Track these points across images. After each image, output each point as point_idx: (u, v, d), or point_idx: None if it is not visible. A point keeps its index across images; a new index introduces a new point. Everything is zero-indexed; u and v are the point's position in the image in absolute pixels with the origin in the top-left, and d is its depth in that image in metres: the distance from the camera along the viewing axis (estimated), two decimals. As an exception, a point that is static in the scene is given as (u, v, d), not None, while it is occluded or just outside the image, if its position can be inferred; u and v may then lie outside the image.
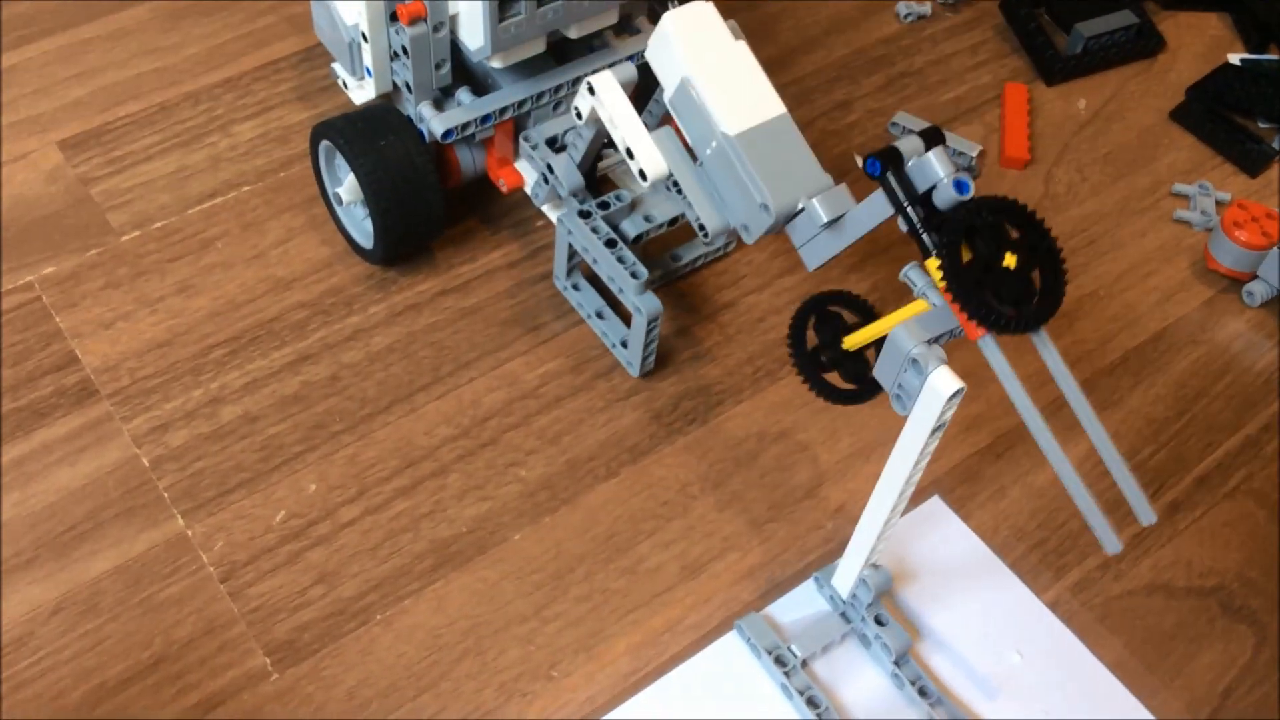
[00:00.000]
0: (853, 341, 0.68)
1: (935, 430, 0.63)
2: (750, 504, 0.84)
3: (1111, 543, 0.64)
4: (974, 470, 0.87)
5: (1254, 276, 0.98)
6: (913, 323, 0.63)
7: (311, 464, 0.83)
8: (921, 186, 0.64)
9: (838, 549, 0.77)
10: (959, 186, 0.63)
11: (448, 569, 0.79)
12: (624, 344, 0.89)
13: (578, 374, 0.90)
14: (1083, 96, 1.14)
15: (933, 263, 0.63)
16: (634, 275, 0.83)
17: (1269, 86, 1.12)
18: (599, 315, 0.91)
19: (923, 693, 0.74)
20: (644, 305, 0.84)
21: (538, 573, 0.79)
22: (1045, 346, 0.64)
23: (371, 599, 0.77)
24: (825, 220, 0.69)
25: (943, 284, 0.62)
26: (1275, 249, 0.96)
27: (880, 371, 0.64)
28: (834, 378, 0.70)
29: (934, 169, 0.63)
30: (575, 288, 0.93)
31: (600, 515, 0.82)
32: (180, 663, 0.74)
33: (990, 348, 0.63)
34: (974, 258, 0.62)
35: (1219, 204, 1.06)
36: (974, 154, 1.05)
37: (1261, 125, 1.12)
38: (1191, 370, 0.94)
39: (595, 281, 0.93)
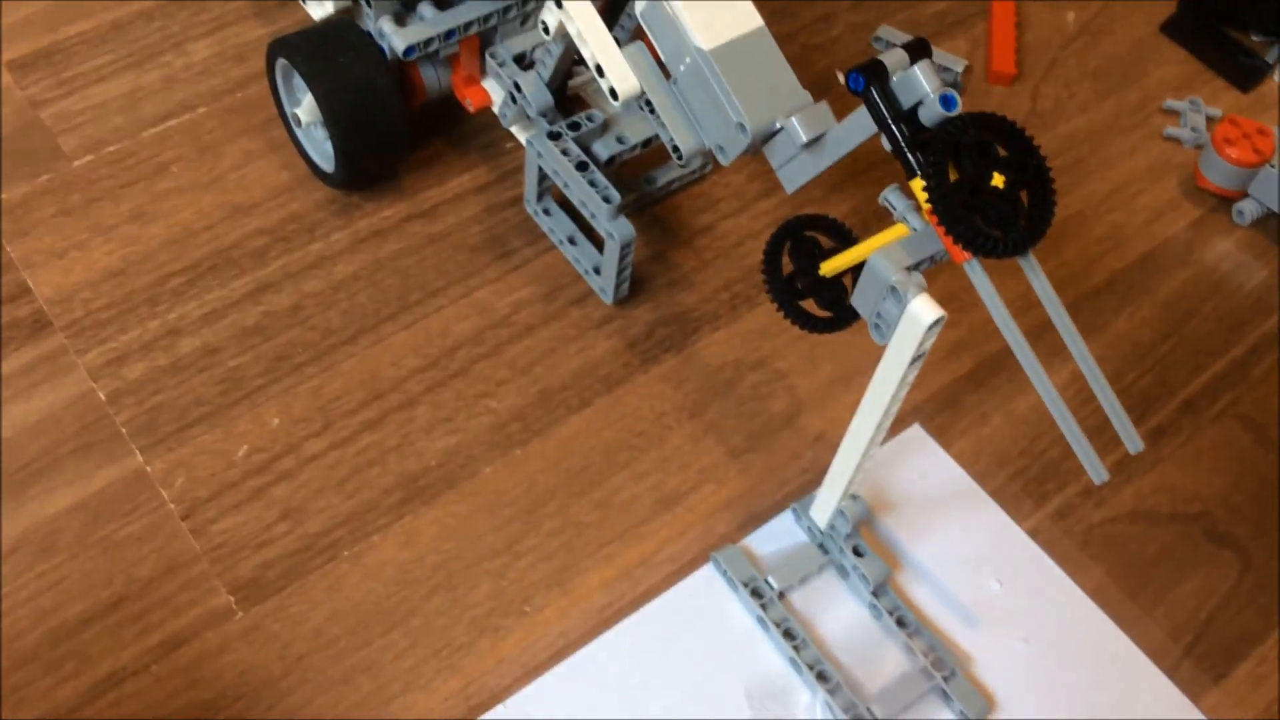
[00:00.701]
0: (830, 268, 0.65)
1: (915, 360, 0.60)
2: (727, 434, 0.82)
3: (1098, 472, 0.62)
4: (955, 397, 0.85)
5: (1245, 195, 0.96)
6: (892, 248, 0.60)
7: (274, 397, 0.81)
8: (907, 103, 0.61)
9: (816, 479, 0.75)
10: (946, 102, 0.60)
11: (416, 504, 0.77)
12: (597, 270, 0.86)
13: (550, 302, 0.87)
14: (1071, 9, 1.10)
15: (917, 183, 0.60)
16: (606, 200, 0.80)
17: (1263, -2, 1.08)
18: (571, 241, 0.89)
19: (901, 623, 0.73)
20: (617, 230, 0.81)
21: (509, 506, 0.77)
22: (1032, 270, 0.62)
23: (338, 535, 0.75)
24: (804, 140, 0.66)
25: (927, 206, 0.59)
26: (1267, 166, 0.94)
27: (858, 299, 0.62)
28: (810, 305, 0.67)
29: (920, 84, 0.60)
30: (546, 212, 0.90)
31: (573, 447, 0.80)
32: (141, 602, 0.72)
33: (977, 272, 0.60)
34: (961, 178, 0.59)
35: (1210, 120, 1.03)
36: (959, 69, 1.02)
37: (1255, 38, 1.09)
38: (1179, 292, 0.92)
39: (567, 206, 0.90)
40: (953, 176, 0.59)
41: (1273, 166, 0.93)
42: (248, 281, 0.86)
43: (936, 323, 0.58)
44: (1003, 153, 0.60)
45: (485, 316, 0.86)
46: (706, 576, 0.75)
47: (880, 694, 0.71)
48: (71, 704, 0.69)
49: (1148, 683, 0.73)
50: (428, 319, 0.85)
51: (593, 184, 0.81)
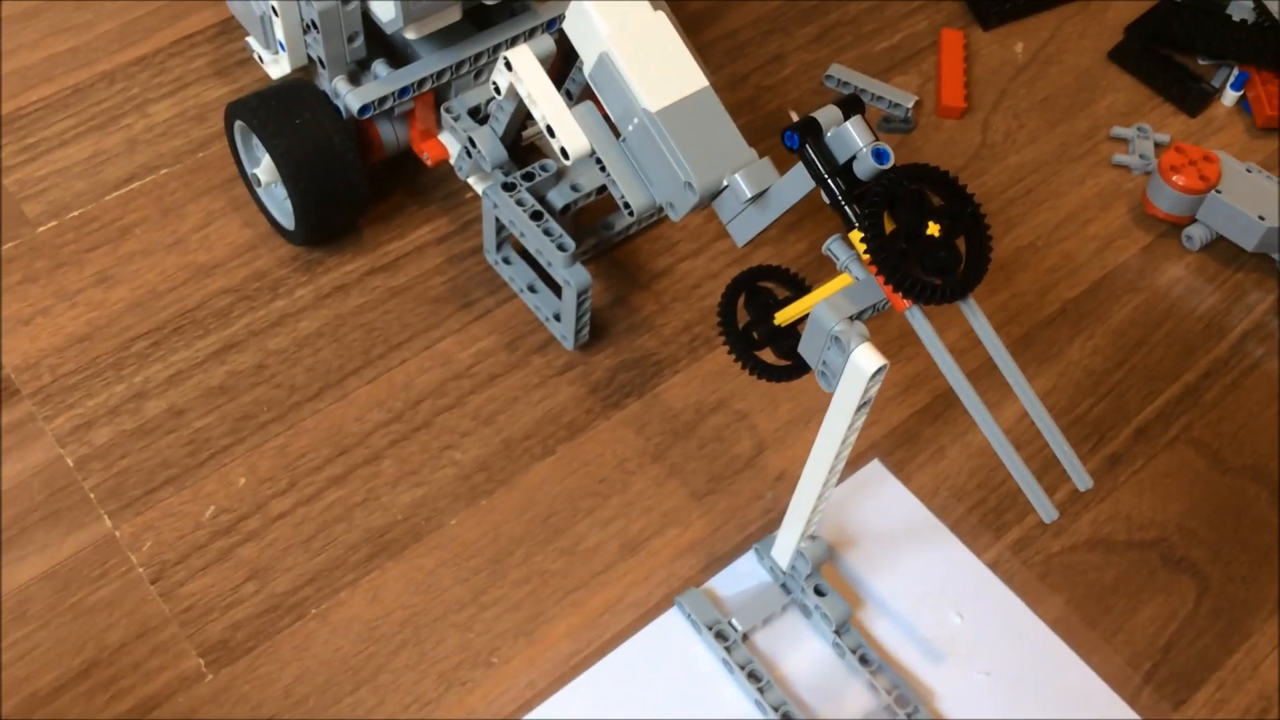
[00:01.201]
0: (784, 317, 0.67)
1: (860, 407, 0.62)
2: (689, 477, 0.83)
3: (1048, 511, 0.64)
4: (913, 432, 0.86)
5: (1193, 220, 0.98)
6: (835, 299, 0.62)
7: (240, 456, 0.82)
8: (842, 157, 0.62)
9: (778, 518, 0.76)
10: (878, 156, 0.61)
11: (383, 558, 0.78)
12: (557, 317, 0.87)
13: (512, 350, 0.88)
14: (1020, 40, 1.12)
15: (855, 235, 0.62)
16: (561, 248, 0.82)
17: (1209, 21, 1.10)
18: (531, 289, 0.90)
19: (864, 661, 0.74)
20: (573, 278, 0.82)
21: (475, 557, 0.78)
22: (973, 314, 0.63)
23: (306, 593, 0.76)
24: (749, 195, 0.68)
25: (867, 256, 0.61)
26: (1214, 191, 0.95)
27: (804, 348, 0.63)
28: (769, 354, 0.69)
29: (853, 139, 0.61)
30: (506, 261, 0.91)
31: (538, 495, 0.81)
32: (113, 667, 0.73)
33: (918, 319, 0.62)
34: (897, 228, 0.61)
35: (1158, 146, 1.05)
36: (909, 105, 1.04)
37: (1201, 62, 1.11)
38: (1131, 319, 0.94)
39: (526, 255, 0.91)
40: (889, 227, 0.60)
41: (1219, 192, 0.95)
42: (212, 341, 0.87)
43: (879, 371, 0.60)
44: (937, 201, 0.62)
45: (448, 368, 0.87)
46: (671, 621, 0.76)
47: (845, 732, 0.72)
48: (45, 772, 0.70)
49: (1109, 712, 0.74)
50: (391, 372, 0.86)
51: (547, 233, 0.82)
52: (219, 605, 0.75)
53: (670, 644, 0.75)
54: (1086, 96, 1.08)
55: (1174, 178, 0.95)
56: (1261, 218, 0.94)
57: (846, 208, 0.62)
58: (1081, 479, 0.64)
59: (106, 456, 0.81)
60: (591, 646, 0.75)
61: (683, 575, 0.79)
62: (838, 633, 0.75)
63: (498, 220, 0.87)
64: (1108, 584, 0.80)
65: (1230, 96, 1.08)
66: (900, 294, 0.60)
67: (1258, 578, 0.81)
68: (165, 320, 0.88)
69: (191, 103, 1.01)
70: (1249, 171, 0.97)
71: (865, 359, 0.59)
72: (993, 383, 0.83)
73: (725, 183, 0.68)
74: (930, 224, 0.61)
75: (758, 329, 0.68)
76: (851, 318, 0.61)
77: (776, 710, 0.72)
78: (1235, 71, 1.08)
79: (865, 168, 0.61)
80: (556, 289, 0.87)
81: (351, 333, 0.88)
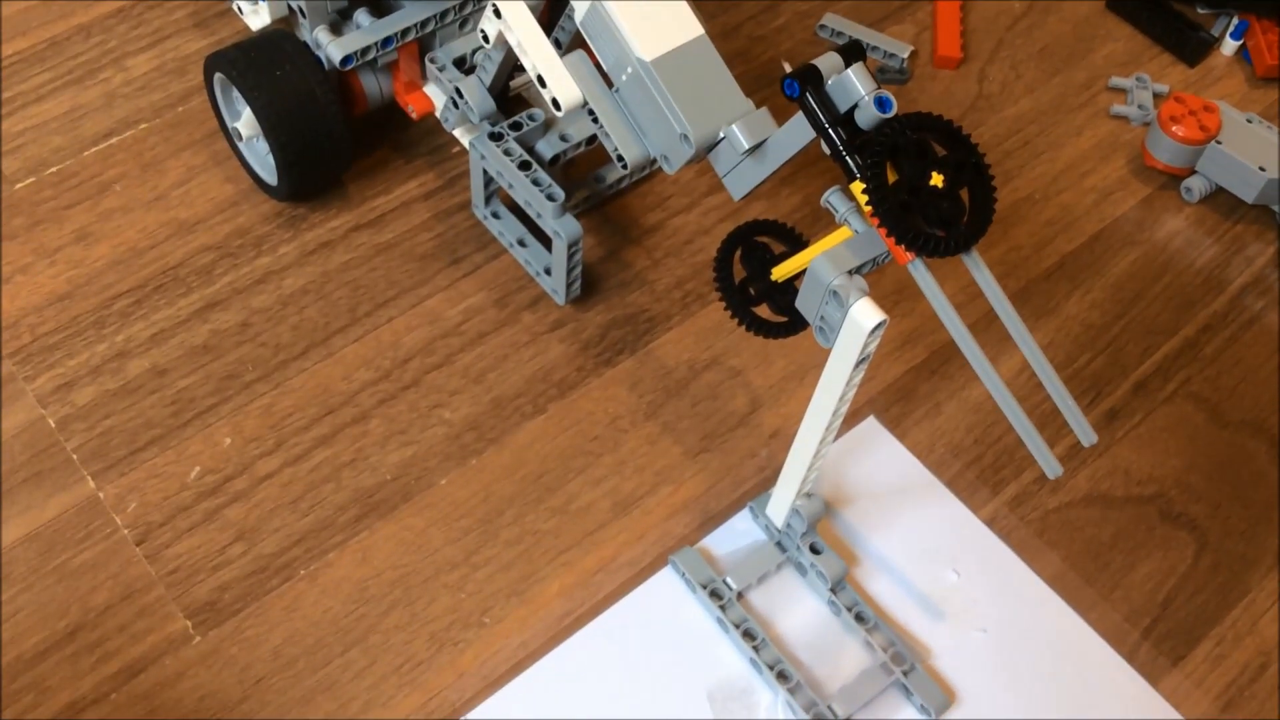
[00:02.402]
0: (781, 272, 0.65)
1: (859, 363, 0.60)
2: (683, 434, 0.82)
3: (1051, 466, 0.62)
4: (909, 388, 0.85)
5: (1192, 172, 0.96)
6: (834, 252, 0.60)
7: (225, 416, 0.80)
8: (843, 106, 0.61)
9: (773, 476, 0.75)
10: (881, 104, 0.59)
11: (372, 519, 0.77)
12: (548, 271, 0.86)
13: (502, 307, 0.87)
14: (1017, -12, 1.10)
15: (857, 186, 0.60)
16: (550, 198, 0.80)
17: (1207, -30, 1.08)
18: (521, 243, 0.88)
19: (860, 619, 0.73)
20: (563, 229, 0.80)
21: (466, 517, 0.77)
22: (976, 266, 0.62)
23: (294, 554, 0.75)
24: (747, 146, 0.66)
25: (869, 208, 0.59)
26: (1214, 142, 0.94)
27: (802, 303, 0.62)
28: (765, 310, 0.67)
29: (855, 87, 0.60)
30: (495, 215, 0.89)
31: (528, 455, 0.80)
32: (98, 630, 0.72)
33: (920, 272, 0.60)
34: (900, 179, 0.59)
35: (1157, 97, 1.03)
36: (905, 56, 1.02)
37: (1201, 11, 1.09)
38: (1129, 272, 0.92)
39: (516, 208, 0.89)
40: (891, 178, 0.59)
41: (1219, 143, 0.94)
42: (195, 300, 0.85)
43: (878, 327, 0.58)
44: (941, 151, 0.60)
45: (436, 326, 0.85)
46: (665, 579, 0.75)
47: (841, 692, 0.71)
48: (31, 737, 0.69)
49: (1107, 668, 0.74)
50: (378, 330, 0.85)
51: (536, 183, 0.81)
52: (205, 567, 0.74)
53: (664, 603, 0.74)
54: (1084, 46, 1.07)
55: (1173, 128, 0.94)
56: (1262, 168, 0.93)
57: (848, 158, 0.60)
58: (1086, 434, 0.63)
59: (89, 417, 0.80)
60: (585, 606, 0.74)
61: (676, 534, 0.78)
62: (833, 591, 0.74)
63: (485, 173, 0.85)
64: (1106, 540, 0.79)
65: (1230, 45, 1.07)
66: (903, 246, 0.59)
67: (1256, 533, 0.80)
68: (147, 278, 0.86)
69: (171, 55, 0.99)
70: (1249, 122, 0.95)
71: (865, 314, 0.58)
72: (990, 337, 0.82)
73: (722, 134, 0.67)
74: (934, 174, 0.59)
75: (754, 284, 0.67)
76: (851, 271, 0.60)
77: (772, 668, 0.71)
78: (1235, 20, 1.06)
79: (867, 116, 0.59)
80: (547, 242, 0.85)
81: (337, 290, 0.87)
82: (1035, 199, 0.96)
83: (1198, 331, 0.90)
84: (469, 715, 0.70)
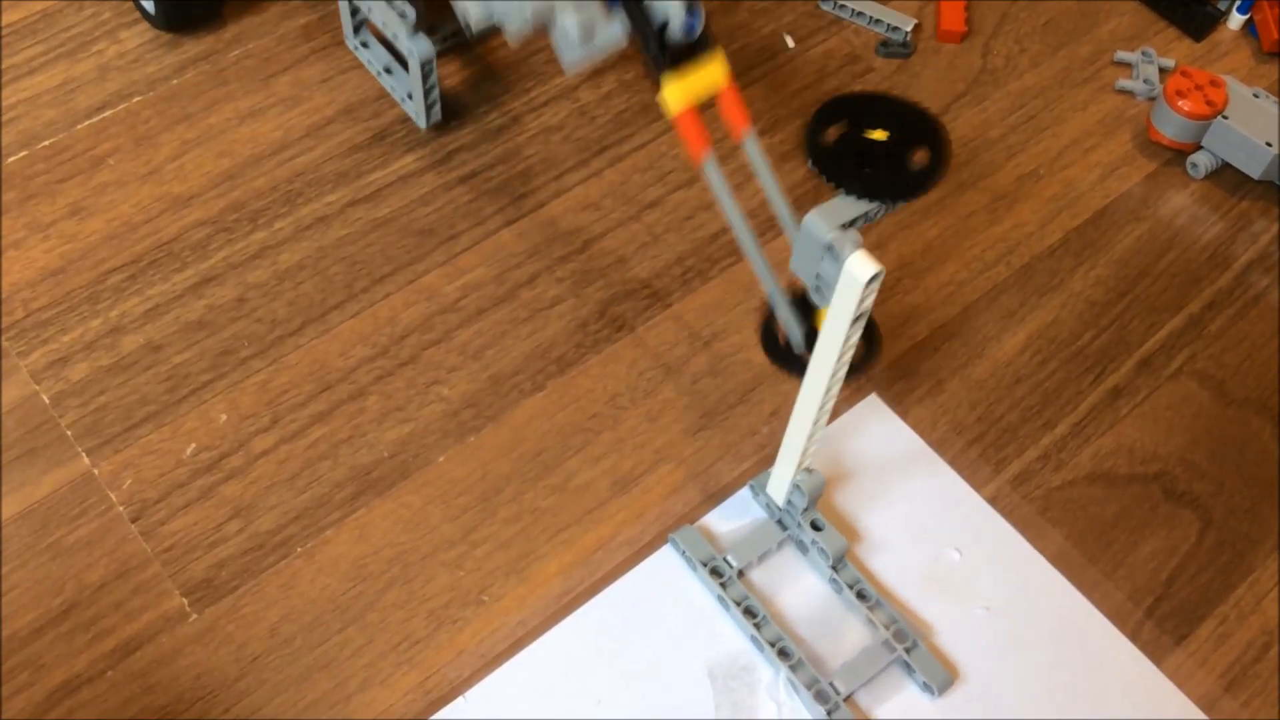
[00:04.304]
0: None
1: (857, 319, 0.59)
2: (682, 412, 0.81)
3: (797, 340, 0.68)
4: (911, 365, 0.84)
5: (1198, 147, 0.95)
6: (826, 207, 0.60)
7: (221, 393, 0.79)
8: (656, 22, 0.65)
9: (773, 454, 0.74)
10: (689, 28, 0.64)
11: (370, 496, 0.76)
12: (411, 97, 0.89)
13: (500, 283, 0.86)
14: (1021, -38, 1.09)
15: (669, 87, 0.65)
16: (402, 15, 0.83)
17: (1214, -57, 1.07)
18: (387, 71, 0.92)
19: (861, 596, 0.73)
20: (416, 48, 0.84)
21: (464, 495, 0.77)
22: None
23: (291, 531, 0.74)
24: (574, 37, 0.70)
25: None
26: (1220, 117, 0.93)
27: (796, 264, 0.62)
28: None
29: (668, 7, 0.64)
30: (365, 45, 0.93)
31: (527, 432, 0.79)
32: (94, 608, 0.71)
33: (711, 170, 0.66)
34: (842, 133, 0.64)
35: (1163, 72, 1.02)
36: (908, 29, 1.01)
37: (1206, -15, 1.08)
38: (1134, 249, 0.92)
39: (385, 40, 0.93)
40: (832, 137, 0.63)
41: (1225, 118, 0.93)
42: (190, 275, 0.84)
43: (875, 278, 0.57)
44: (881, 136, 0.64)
45: (434, 302, 0.85)
46: (665, 558, 0.75)
47: (843, 669, 0.71)
48: (27, 714, 0.68)
49: (1110, 647, 0.73)
50: (375, 306, 0.84)
51: (390, 4, 0.83)
52: (202, 544, 0.73)
53: (664, 581, 0.74)
54: (1089, 20, 1.05)
55: (1180, 103, 0.93)
56: (1269, 144, 0.92)
57: (656, 58, 0.65)
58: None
59: (83, 393, 0.79)
60: (584, 584, 0.74)
61: (676, 512, 0.77)
62: (834, 568, 0.73)
63: (351, 2, 0.89)
64: (1109, 518, 0.79)
65: (1236, 20, 1.05)
66: (832, 183, 0.62)
67: (1260, 511, 0.80)
68: (141, 253, 0.85)
69: (165, 28, 0.98)
70: (1256, 97, 0.94)
71: (860, 265, 0.57)
72: (1007, 303, 0.82)
73: (558, 19, 0.70)
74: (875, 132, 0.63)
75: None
76: (844, 225, 0.60)
77: (773, 645, 0.70)
78: (1243, -6, 1.05)
79: (677, 30, 0.64)
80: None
81: (334, 265, 0.86)
82: (1040, 175, 0.95)
83: (1202, 309, 0.89)
84: (468, 693, 0.69)
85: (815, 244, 0.60)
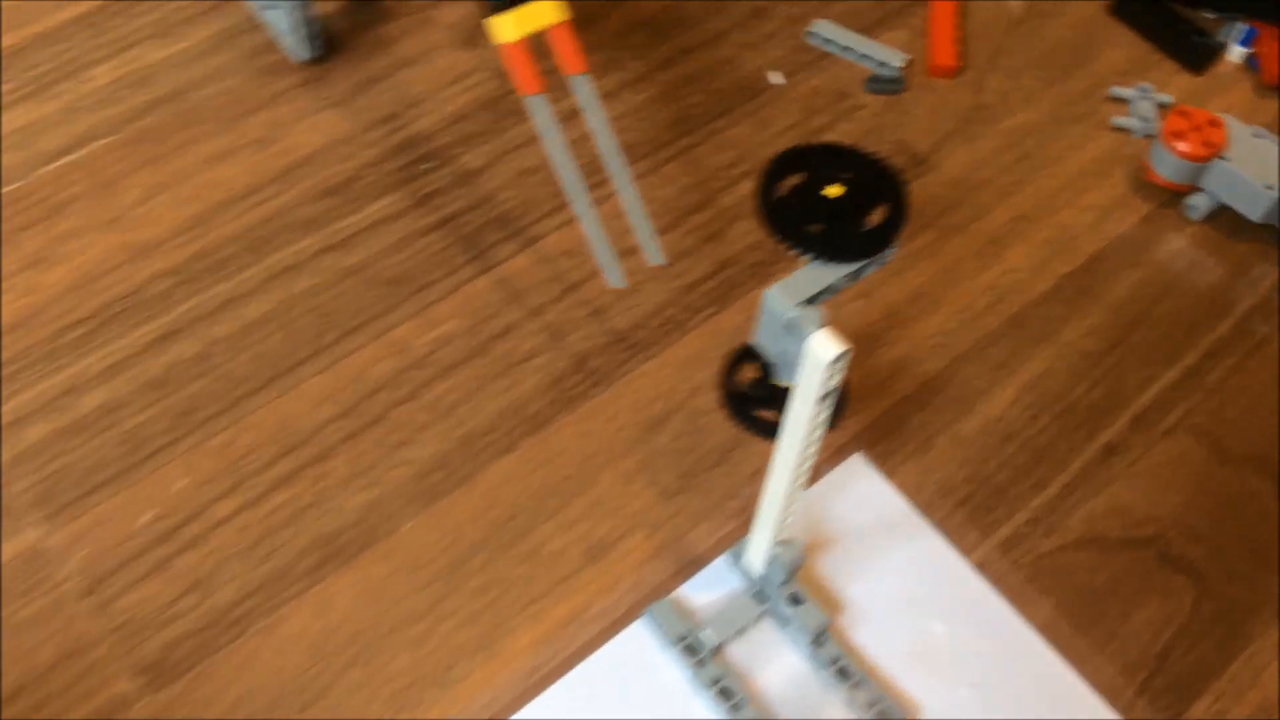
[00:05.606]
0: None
1: (824, 398, 0.57)
2: (659, 473, 0.78)
3: (615, 277, 0.73)
4: (898, 421, 0.81)
5: (1196, 189, 0.92)
6: (787, 282, 0.57)
7: (180, 455, 0.77)
8: None
9: (752, 519, 0.71)
10: None
11: (333, 566, 0.73)
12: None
13: (473, 335, 0.83)
14: (1016, -9, 1.06)
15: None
16: None
17: (1215, -29, 1.03)
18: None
19: (843, 674, 0.70)
20: None
21: (431, 564, 0.74)
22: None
23: (249, 605, 0.72)
24: None
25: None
26: (1219, 158, 0.90)
27: (760, 339, 0.59)
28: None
29: None
30: None
31: (499, 495, 0.77)
32: (42, 691, 0.68)
33: (539, 106, 0.67)
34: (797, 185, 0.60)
35: (1160, 107, 0.99)
36: (899, 64, 0.97)
37: (1207, 15, 1.05)
38: (1129, 295, 0.88)
39: None
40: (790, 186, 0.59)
41: (1224, 159, 0.89)
42: (152, 329, 0.82)
43: (839, 358, 0.54)
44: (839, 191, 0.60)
45: (404, 356, 0.82)
46: (639, 632, 0.72)
47: (821, 752, 0.68)
48: (-27, 801, 0.66)
49: (1100, 724, 0.71)
50: (343, 361, 0.81)
51: None
52: (155, 621, 0.71)
53: (639, 657, 0.71)
54: (1085, 53, 1.02)
55: (1177, 144, 0.90)
56: (1269, 186, 0.88)
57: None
58: (655, 255, 0.75)
59: (38, 457, 0.76)
60: (555, 661, 0.71)
61: (652, 581, 0.74)
62: (815, 644, 0.71)
63: None
64: (1100, 586, 0.76)
65: (1237, 52, 1.02)
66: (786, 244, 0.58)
67: (1259, 577, 0.77)
68: (102, 305, 0.82)
69: (133, 66, 0.95)
70: (1256, 136, 0.91)
71: (823, 346, 0.54)
72: (1008, 344, 0.79)
73: None
74: (831, 187, 0.59)
75: (756, 392, 0.64)
76: (805, 301, 0.56)
77: (749, 729, 0.68)
78: (1242, 26, 1.01)
79: None
80: None
81: (302, 317, 0.83)
82: (1032, 217, 0.92)
83: (1200, 358, 0.86)
84: (431, 779, 0.67)
85: (775, 320, 0.57)
